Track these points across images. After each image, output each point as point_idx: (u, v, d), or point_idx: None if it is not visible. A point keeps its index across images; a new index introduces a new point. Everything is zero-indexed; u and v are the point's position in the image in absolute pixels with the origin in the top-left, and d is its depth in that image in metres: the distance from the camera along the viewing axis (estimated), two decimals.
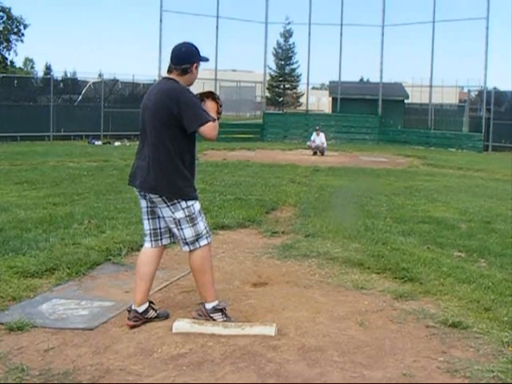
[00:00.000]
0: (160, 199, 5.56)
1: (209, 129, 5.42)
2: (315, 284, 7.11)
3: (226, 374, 4.62)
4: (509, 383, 4.55)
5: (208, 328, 5.45)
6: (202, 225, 5.63)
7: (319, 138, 30.10)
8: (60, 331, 5.45)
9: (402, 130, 41.40)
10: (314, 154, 29.75)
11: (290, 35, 69.16)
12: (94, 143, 33.14)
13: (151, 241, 5.78)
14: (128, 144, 33.20)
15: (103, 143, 33.69)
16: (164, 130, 5.48)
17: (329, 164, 24.18)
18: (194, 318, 5.74)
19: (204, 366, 4.77)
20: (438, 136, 38.92)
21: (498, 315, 5.97)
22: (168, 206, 5.55)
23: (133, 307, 5.69)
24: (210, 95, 5.80)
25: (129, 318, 5.66)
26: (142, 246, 8.22)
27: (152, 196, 5.60)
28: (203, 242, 5.63)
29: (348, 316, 5.99)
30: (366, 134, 40.57)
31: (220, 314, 5.70)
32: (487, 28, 37.10)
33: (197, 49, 5.71)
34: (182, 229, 5.58)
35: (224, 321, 5.65)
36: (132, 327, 5.59)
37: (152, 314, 5.74)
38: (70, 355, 4.93)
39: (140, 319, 5.66)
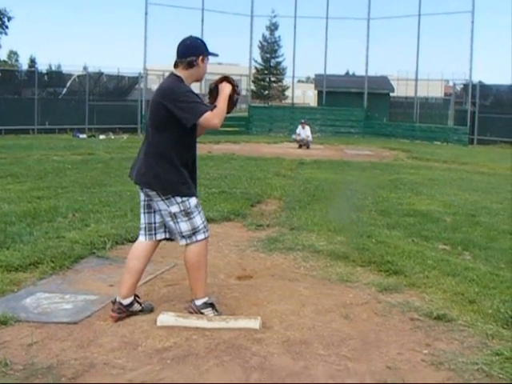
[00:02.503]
0: (154, 193, 5.54)
1: (206, 119, 5.30)
2: (300, 277, 7.11)
3: (211, 367, 4.61)
4: (493, 375, 4.56)
5: (192, 321, 5.44)
6: (198, 219, 5.58)
7: (304, 131, 30.22)
8: (44, 325, 5.42)
9: (388, 123, 41.59)
10: (300, 147, 29.84)
11: (276, 28, 69.20)
12: (78, 136, 33.03)
13: (145, 234, 5.75)
14: (113, 137, 33.19)
15: (88, 136, 33.61)
16: (159, 126, 5.46)
17: (314, 157, 24.21)
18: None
19: (188, 359, 4.75)
20: (423, 129, 39.09)
21: (482, 308, 5.98)
22: (163, 200, 5.52)
23: (117, 299, 5.67)
24: (225, 79, 5.69)
25: (113, 310, 5.64)
26: (126, 239, 8.30)
27: (147, 190, 5.59)
28: (200, 236, 5.59)
29: (333, 309, 5.99)
30: (351, 128, 40.74)
31: (210, 309, 5.68)
32: (472, 22, 37.30)
33: (203, 42, 5.65)
34: (177, 222, 5.55)
35: (214, 315, 5.64)
36: (116, 320, 5.58)
37: (137, 307, 5.72)
38: (53, 349, 4.91)
39: (124, 312, 5.64)
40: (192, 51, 5.52)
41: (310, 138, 30.35)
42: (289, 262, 7.72)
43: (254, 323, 5.41)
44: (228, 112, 5.73)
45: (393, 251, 8.03)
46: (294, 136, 31.13)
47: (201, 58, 5.54)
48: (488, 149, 34.00)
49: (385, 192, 14.30)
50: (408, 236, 9.27)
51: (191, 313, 5.66)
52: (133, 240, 8.27)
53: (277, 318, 5.67)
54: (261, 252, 8.17)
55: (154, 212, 5.68)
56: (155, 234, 5.74)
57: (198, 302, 5.67)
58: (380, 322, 5.69)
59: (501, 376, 4.53)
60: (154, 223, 5.72)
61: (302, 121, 31.14)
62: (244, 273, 7.24)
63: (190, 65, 5.50)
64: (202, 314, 5.62)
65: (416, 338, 5.32)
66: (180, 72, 5.53)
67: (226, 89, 5.58)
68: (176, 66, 5.57)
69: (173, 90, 5.44)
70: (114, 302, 5.69)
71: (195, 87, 5.78)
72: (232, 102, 5.67)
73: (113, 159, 20.61)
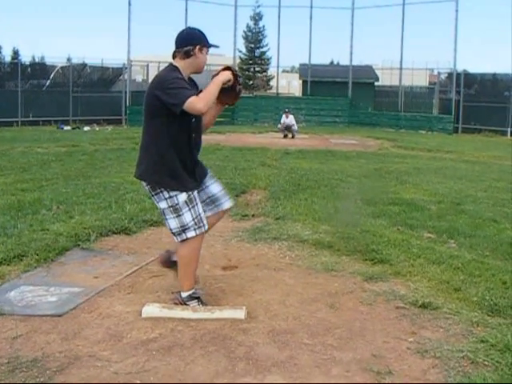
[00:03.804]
0: (147, 188, 5.56)
1: (191, 104, 5.15)
2: (285, 267, 7.10)
3: (196, 358, 4.61)
4: (478, 362, 4.57)
5: (177, 312, 5.43)
6: (188, 216, 5.47)
7: (289, 120, 30.36)
8: (28, 318, 5.39)
9: (373, 112, 41.68)
10: (285, 136, 29.92)
11: (260, 18, 68.84)
12: (62, 128, 32.88)
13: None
14: (97, 129, 33.10)
15: (72, 128, 33.48)
16: (151, 118, 5.44)
17: (299, 147, 24.21)
18: None
19: (174, 350, 4.75)
20: (408, 118, 39.23)
21: (467, 295, 6.00)
22: (153, 196, 5.55)
23: (172, 249, 5.89)
24: (227, 69, 5.60)
25: (161, 254, 6.00)
26: (110, 231, 8.32)
27: (143, 183, 5.61)
28: (190, 234, 5.50)
29: (318, 298, 5.99)
30: (336, 117, 40.79)
31: (196, 301, 5.65)
32: (457, 10, 37.43)
33: (201, 32, 5.60)
34: (166, 219, 5.55)
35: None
36: (160, 264, 6.03)
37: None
38: (38, 342, 4.89)
39: (168, 263, 5.91)
40: (188, 41, 5.48)
41: (295, 127, 30.49)
42: (274, 252, 7.72)
43: (240, 313, 5.41)
44: (232, 104, 5.83)
45: (378, 240, 8.04)
46: (279, 126, 31.19)
47: (198, 47, 5.46)
48: (473, 137, 34.19)
49: (370, 181, 14.33)
50: (393, 225, 9.28)
51: (176, 304, 5.64)
52: (117, 231, 8.32)
53: (262, 308, 5.67)
54: (246, 242, 8.16)
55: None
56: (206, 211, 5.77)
57: (184, 294, 5.64)
58: (365, 311, 5.70)
59: (486, 363, 4.54)
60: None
61: (286, 110, 31.44)
62: (229, 263, 7.23)
63: (187, 54, 5.44)
64: (187, 305, 5.60)
65: (401, 326, 5.33)
66: (177, 62, 5.49)
67: (220, 76, 5.48)
68: (174, 57, 5.53)
69: (163, 77, 5.41)
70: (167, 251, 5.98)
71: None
72: (235, 93, 5.64)
73: (97, 151, 20.55)
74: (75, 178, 13.75)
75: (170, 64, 5.53)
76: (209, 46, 5.60)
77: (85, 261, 7.22)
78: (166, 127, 5.36)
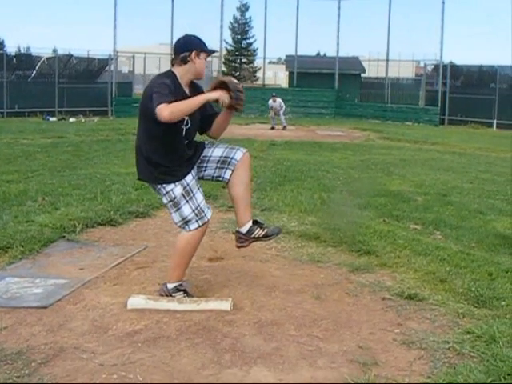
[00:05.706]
0: (151, 186, 5.66)
1: (159, 110, 5.04)
2: (271, 258, 7.11)
3: (182, 349, 4.59)
4: (464, 353, 4.58)
5: (163, 304, 5.41)
6: (187, 208, 5.47)
7: (277, 104, 30.82)
8: (13, 310, 5.35)
9: (359, 103, 41.76)
10: (272, 128, 30.01)
11: (247, 9, 68.96)
12: (48, 119, 32.78)
13: (223, 176, 5.80)
14: (83, 120, 32.94)
15: (58, 119, 33.38)
16: (142, 119, 5.45)
17: (285, 138, 24.23)
18: None
19: (159, 342, 4.73)
20: (394, 110, 39.29)
21: (453, 287, 6.01)
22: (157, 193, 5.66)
23: (236, 229, 5.86)
24: (221, 85, 5.41)
25: (236, 240, 5.86)
26: (96, 222, 8.30)
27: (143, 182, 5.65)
28: (193, 226, 5.50)
29: (304, 289, 5.99)
30: (322, 108, 40.84)
31: (182, 293, 5.63)
32: (443, 2, 37.44)
33: (198, 38, 5.57)
34: (170, 213, 5.59)
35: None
36: (240, 248, 5.92)
37: (258, 232, 5.78)
38: (23, 334, 4.85)
39: (246, 240, 5.80)
40: (184, 47, 5.46)
41: (283, 104, 31.05)
42: (260, 243, 7.64)
43: (225, 305, 5.40)
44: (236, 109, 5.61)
45: (364, 231, 8.04)
46: (270, 114, 31.48)
47: (194, 53, 5.43)
48: (459, 129, 34.32)
49: (356, 172, 14.36)
50: (379, 216, 9.29)
51: (162, 296, 5.62)
52: (103, 223, 8.30)
53: (248, 300, 5.66)
54: (232, 233, 8.11)
55: (205, 169, 5.77)
56: (224, 173, 5.76)
57: (170, 286, 5.62)
58: (351, 302, 5.69)
59: (472, 354, 4.54)
60: (214, 174, 5.80)
61: (273, 94, 31.99)
62: (215, 254, 7.21)
63: (184, 60, 5.43)
64: (173, 297, 5.58)
65: (387, 317, 5.33)
66: (175, 69, 5.49)
67: (210, 95, 5.34)
68: (173, 64, 5.54)
69: (151, 82, 5.42)
70: (234, 233, 5.99)
71: None
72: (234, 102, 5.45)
73: (83, 142, 20.49)
74: (61, 169, 13.70)
75: (169, 70, 5.55)
76: (207, 51, 5.58)
77: (70, 252, 7.19)
78: (151, 131, 5.37)
